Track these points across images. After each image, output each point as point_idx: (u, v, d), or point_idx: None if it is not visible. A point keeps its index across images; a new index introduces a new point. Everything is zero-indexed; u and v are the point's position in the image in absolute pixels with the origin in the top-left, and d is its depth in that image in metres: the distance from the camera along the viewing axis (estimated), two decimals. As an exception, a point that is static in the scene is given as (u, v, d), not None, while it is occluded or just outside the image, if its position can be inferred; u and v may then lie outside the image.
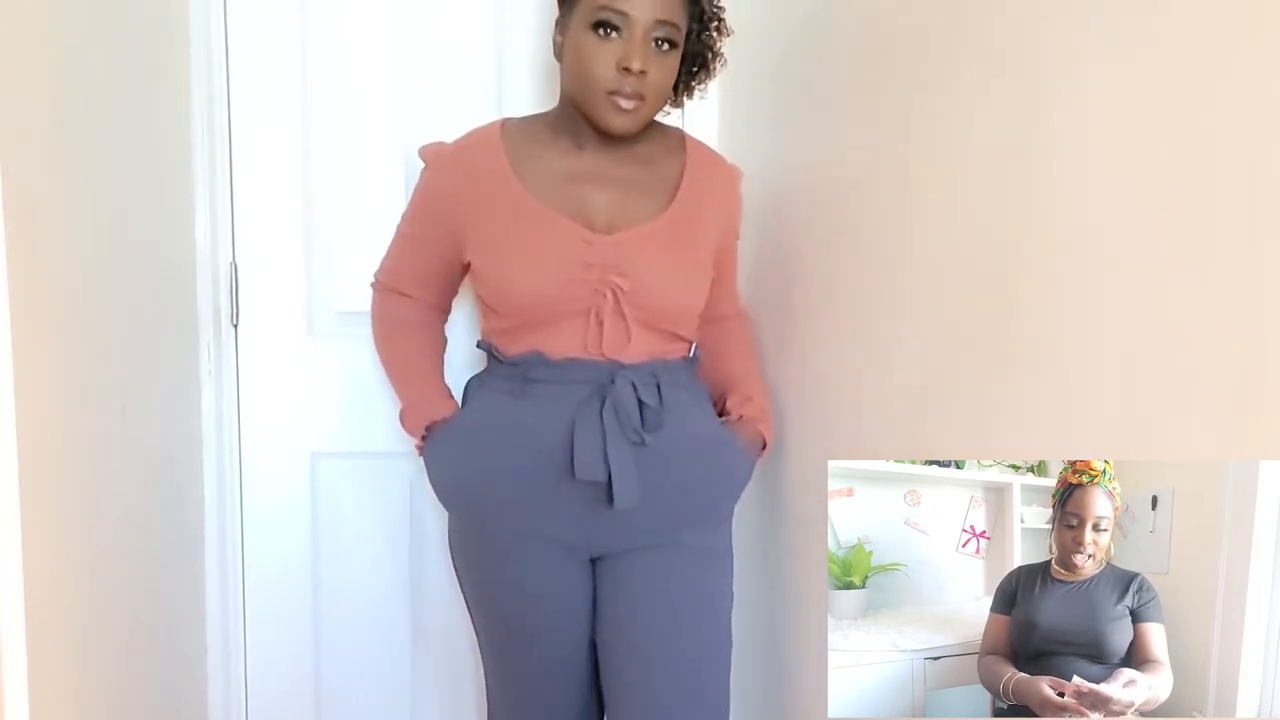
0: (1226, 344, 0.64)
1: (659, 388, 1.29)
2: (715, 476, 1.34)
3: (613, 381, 1.26)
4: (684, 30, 1.25)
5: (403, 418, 1.39)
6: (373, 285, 1.45)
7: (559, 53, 1.28)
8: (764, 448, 1.38)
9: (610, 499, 1.23)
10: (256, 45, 1.61)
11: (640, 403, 1.26)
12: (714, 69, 1.34)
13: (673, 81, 1.28)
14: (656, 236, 1.29)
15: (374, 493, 1.70)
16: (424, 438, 1.36)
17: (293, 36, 1.62)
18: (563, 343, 1.27)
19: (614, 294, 1.26)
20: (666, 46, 1.23)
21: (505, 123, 1.35)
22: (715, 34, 1.31)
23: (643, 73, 1.20)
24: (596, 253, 1.26)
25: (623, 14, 1.19)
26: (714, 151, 1.42)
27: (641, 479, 1.26)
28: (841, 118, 1.26)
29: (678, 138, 1.37)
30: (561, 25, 1.27)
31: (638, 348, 1.28)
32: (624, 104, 1.22)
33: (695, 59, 1.32)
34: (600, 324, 1.26)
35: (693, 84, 1.35)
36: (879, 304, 1.15)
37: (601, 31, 1.20)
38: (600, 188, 1.30)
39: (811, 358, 1.34)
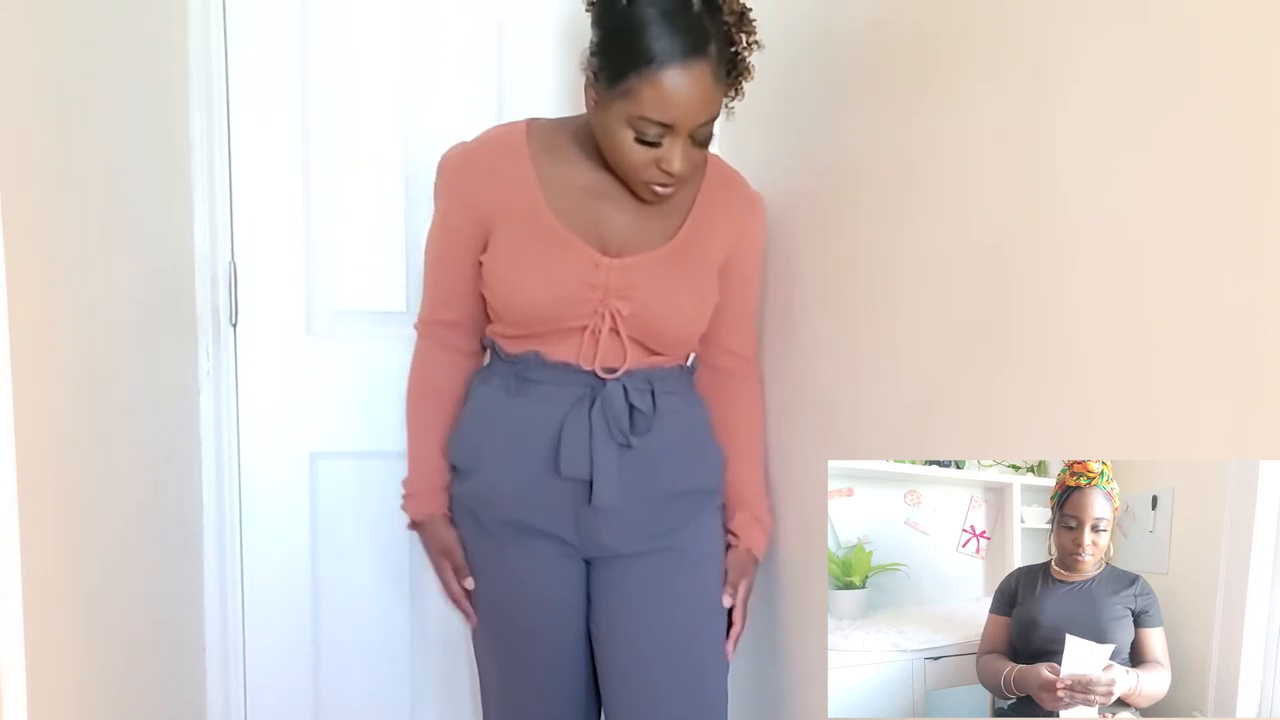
0: (1226, 344, 0.64)
1: (653, 394, 1.29)
2: (699, 474, 1.35)
3: (605, 384, 1.27)
4: (721, 105, 1.21)
5: (406, 500, 1.39)
6: (415, 328, 1.40)
7: (591, 108, 1.23)
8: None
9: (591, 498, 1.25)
10: (256, 45, 1.61)
11: (631, 406, 1.27)
12: (744, 90, 1.26)
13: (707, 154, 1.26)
14: (663, 262, 1.29)
15: (374, 493, 1.70)
16: (414, 523, 1.39)
17: (292, 36, 1.62)
18: (560, 350, 1.28)
19: (612, 316, 1.26)
20: (705, 137, 1.21)
21: (531, 125, 1.32)
22: (749, 51, 1.22)
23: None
24: (601, 274, 1.26)
25: (666, 125, 1.16)
26: (736, 175, 1.39)
27: (630, 481, 1.27)
28: (842, 118, 1.26)
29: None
30: (597, 92, 1.20)
31: (632, 362, 1.29)
32: (661, 191, 1.22)
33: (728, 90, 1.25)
34: (596, 341, 1.27)
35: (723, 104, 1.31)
36: (879, 304, 1.15)
37: (642, 138, 1.17)
38: (618, 208, 1.28)
39: (812, 358, 1.34)
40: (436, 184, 1.34)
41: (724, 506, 1.40)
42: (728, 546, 1.37)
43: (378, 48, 1.65)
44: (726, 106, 1.24)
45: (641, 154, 1.19)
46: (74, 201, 1.14)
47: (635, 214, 1.29)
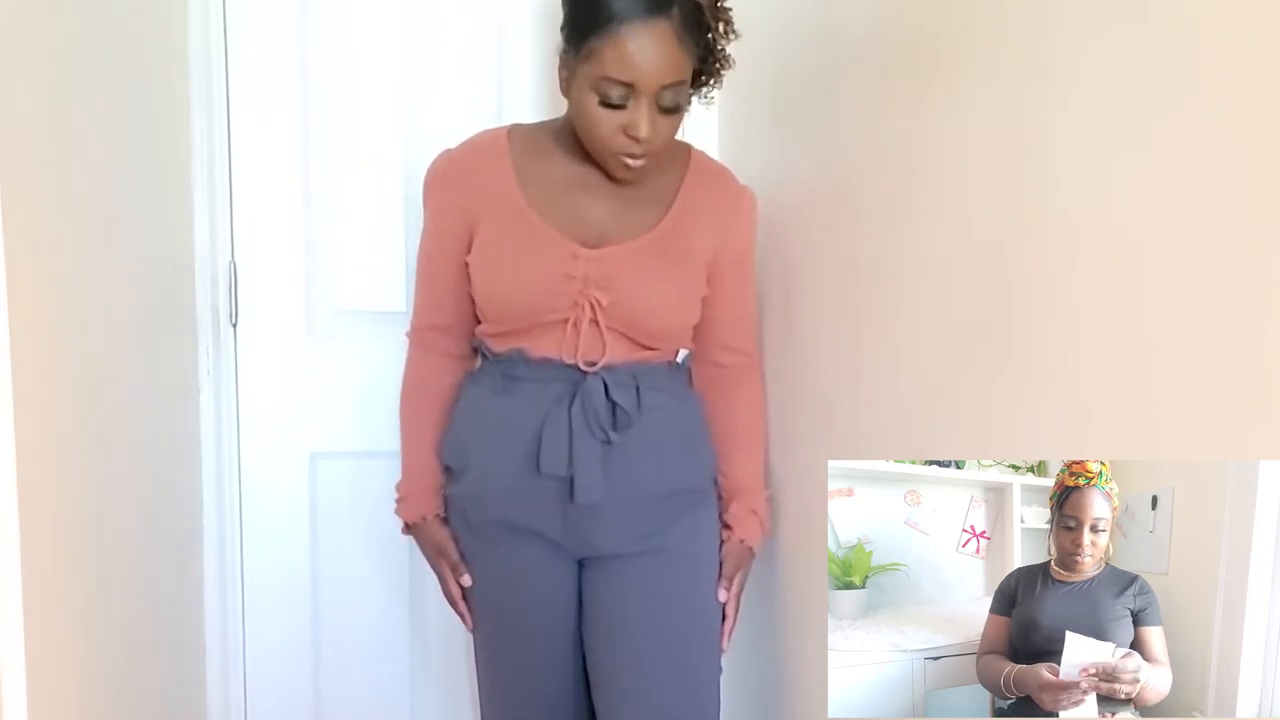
0: (1226, 344, 0.64)
1: (638, 390, 1.28)
2: (690, 473, 1.34)
3: (586, 380, 1.26)
4: (689, 77, 1.21)
5: (399, 504, 1.39)
6: (408, 335, 1.42)
7: (565, 89, 1.24)
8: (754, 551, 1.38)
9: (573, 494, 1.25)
10: (256, 45, 1.61)
11: (613, 403, 1.26)
12: (722, 78, 1.29)
13: (679, 125, 1.26)
14: (643, 252, 1.28)
15: (373, 493, 1.69)
16: (407, 526, 1.39)
17: (292, 36, 1.62)
18: (542, 345, 1.28)
19: (592, 306, 1.26)
20: (672, 104, 1.20)
21: (513, 129, 1.34)
22: (725, 39, 1.25)
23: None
24: (580, 265, 1.26)
25: (628, 85, 1.17)
26: (723, 169, 1.39)
27: (615, 479, 1.26)
28: (842, 118, 1.26)
29: (683, 151, 1.35)
30: (567, 66, 1.22)
31: (614, 354, 1.28)
32: (631, 163, 1.22)
33: (704, 75, 1.27)
34: (577, 333, 1.27)
35: (702, 91, 1.32)
36: (879, 304, 1.15)
37: (606, 100, 1.18)
38: (597, 198, 1.29)
39: (812, 358, 1.34)
40: (424, 191, 1.36)
41: (720, 502, 1.39)
42: (723, 541, 1.36)
43: (378, 48, 1.65)
44: (705, 96, 1.27)
45: (608, 121, 1.19)
46: (74, 201, 1.14)
47: (615, 205, 1.29)
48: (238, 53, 1.60)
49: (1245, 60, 0.62)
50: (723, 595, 1.34)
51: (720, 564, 1.35)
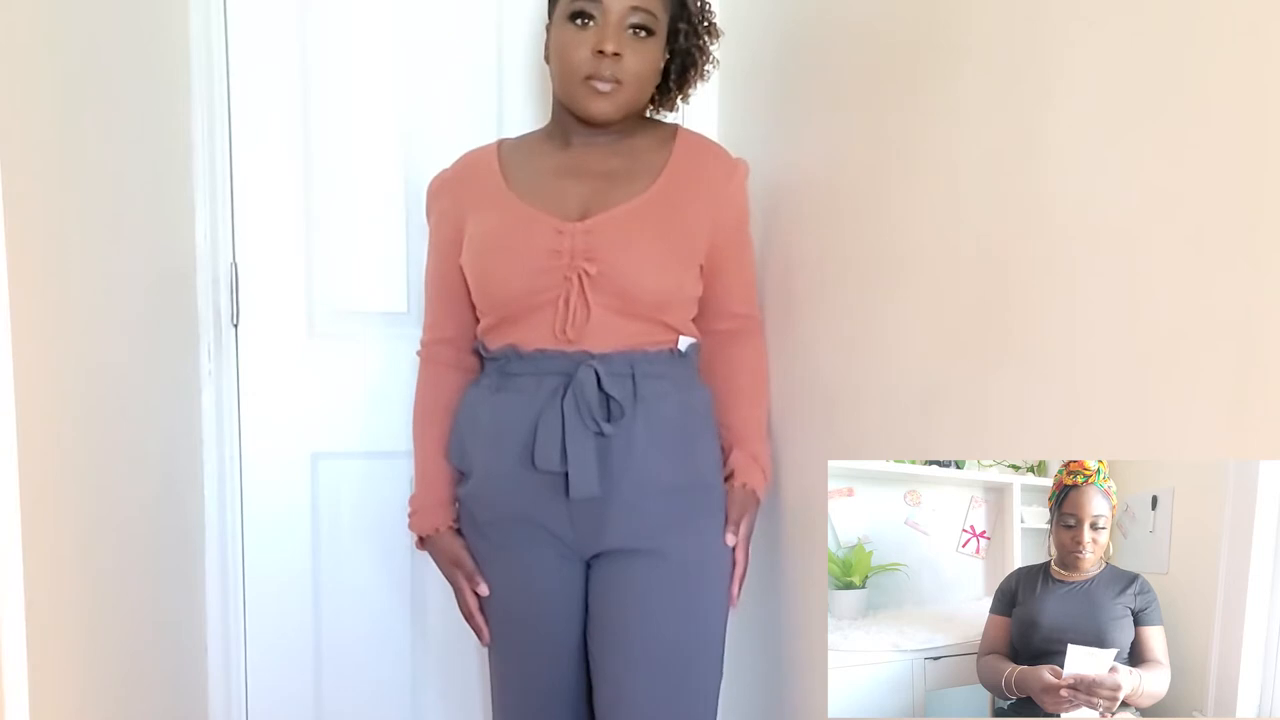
0: (1226, 344, 0.64)
1: (634, 379, 1.27)
2: (693, 465, 1.33)
3: (578, 371, 1.26)
4: (664, 20, 1.29)
5: (412, 518, 1.39)
6: (418, 354, 1.43)
7: (547, 53, 1.33)
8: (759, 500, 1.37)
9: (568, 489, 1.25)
10: (256, 46, 1.61)
11: (606, 395, 1.25)
12: (704, 71, 1.36)
13: (653, 69, 1.30)
14: (629, 220, 1.28)
15: (374, 493, 1.70)
16: (421, 541, 1.39)
17: (292, 37, 1.62)
18: (535, 335, 1.28)
19: (580, 279, 1.26)
20: (644, 34, 1.27)
21: (502, 141, 1.41)
22: (705, 36, 1.34)
23: (617, 55, 1.24)
24: (566, 240, 1.27)
25: (597, 2, 1.24)
26: (713, 144, 1.41)
27: (615, 472, 1.25)
28: (841, 116, 1.26)
29: (670, 130, 1.38)
30: (549, 25, 1.32)
31: (610, 336, 1.27)
32: (601, 86, 1.26)
33: (683, 58, 1.34)
34: (567, 309, 1.26)
35: (684, 85, 1.37)
36: (878, 303, 1.15)
37: (579, 21, 1.26)
38: (581, 179, 1.32)
39: (811, 357, 1.34)
40: (426, 211, 1.41)
41: (726, 497, 1.37)
42: (727, 492, 1.36)
43: (378, 49, 1.65)
44: (690, 87, 1.35)
45: (578, 43, 1.26)
46: (76, 202, 1.14)
47: (602, 182, 1.31)
48: (239, 53, 1.61)
49: (1243, 58, 0.62)
50: (730, 539, 1.33)
51: (727, 511, 1.34)
